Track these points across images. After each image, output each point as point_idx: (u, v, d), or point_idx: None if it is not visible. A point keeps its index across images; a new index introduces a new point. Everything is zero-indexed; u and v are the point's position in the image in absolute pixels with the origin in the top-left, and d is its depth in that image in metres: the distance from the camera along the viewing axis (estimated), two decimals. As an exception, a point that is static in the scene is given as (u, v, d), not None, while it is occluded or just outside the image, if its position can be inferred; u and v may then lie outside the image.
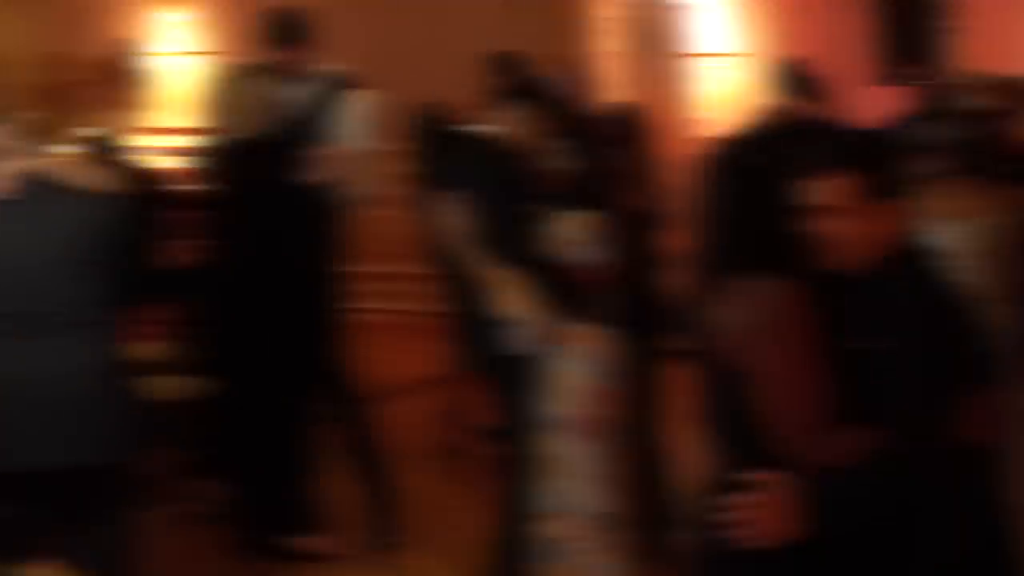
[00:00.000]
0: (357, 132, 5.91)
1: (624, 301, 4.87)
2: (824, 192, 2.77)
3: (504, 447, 5.14)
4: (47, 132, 4.25)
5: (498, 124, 5.38)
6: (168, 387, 5.83)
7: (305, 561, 5.44)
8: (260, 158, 5.52)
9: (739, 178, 3.13)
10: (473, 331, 5.32)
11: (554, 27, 9.33)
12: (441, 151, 6.49)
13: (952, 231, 4.24)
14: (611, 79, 9.21)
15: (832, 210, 2.77)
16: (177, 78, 11.02)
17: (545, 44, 8.51)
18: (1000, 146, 4.93)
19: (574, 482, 4.65)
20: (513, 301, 5.04)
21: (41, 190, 3.87)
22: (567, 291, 4.81)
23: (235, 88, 5.65)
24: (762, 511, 2.76)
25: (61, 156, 4.33)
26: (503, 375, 5.07)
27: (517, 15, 9.31)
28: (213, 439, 5.95)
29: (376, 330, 6.53)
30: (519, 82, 6.05)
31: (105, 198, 4.10)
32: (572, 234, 4.81)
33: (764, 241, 3.05)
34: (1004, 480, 3.15)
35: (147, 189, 7.27)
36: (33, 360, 3.86)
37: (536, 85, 5.79)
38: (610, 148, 5.82)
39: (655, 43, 9.07)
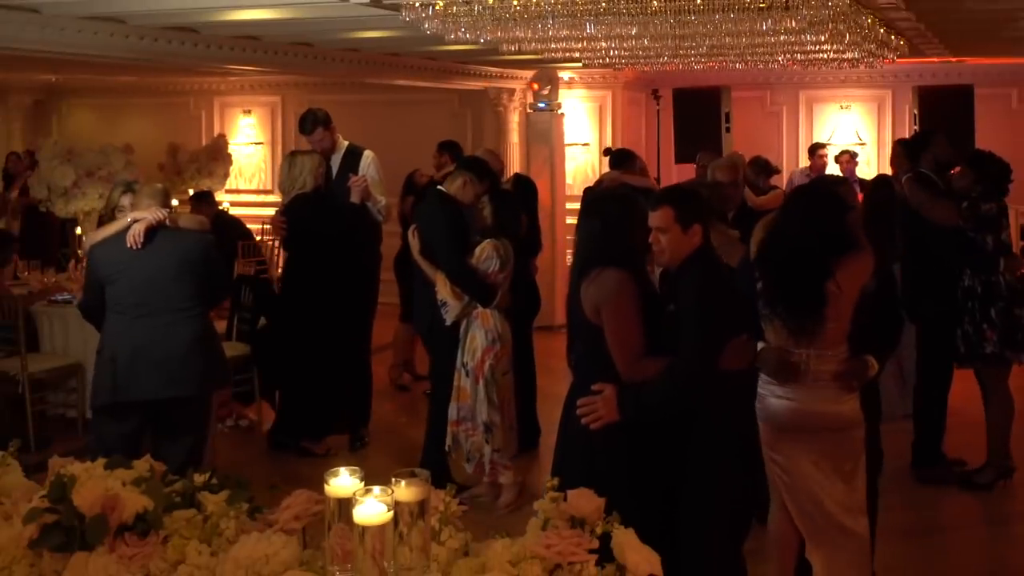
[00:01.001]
0: (371, 173, 7.10)
1: (511, 294, 6.02)
2: (653, 218, 3.81)
3: (436, 383, 6.29)
4: (166, 195, 5.11)
5: (448, 184, 6.25)
6: (232, 349, 7.42)
7: (310, 456, 6.90)
8: (315, 205, 6.78)
9: (595, 214, 4.08)
10: (421, 309, 6.23)
11: (483, 126, 12.50)
12: (410, 197, 8.05)
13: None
14: (517, 158, 12.08)
15: (657, 229, 3.80)
16: (248, 158, 13.74)
17: (478, 136, 11.42)
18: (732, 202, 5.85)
19: (472, 403, 5.92)
20: (445, 292, 5.96)
21: (161, 232, 4.81)
22: (479, 286, 5.89)
23: (294, 163, 6.93)
24: (599, 405, 3.73)
25: (173, 210, 5.23)
26: (438, 337, 6.16)
27: (460, 118, 12.35)
28: (252, 379, 7.58)
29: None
30: (463, 160, 6.90)
31: (198, 236, 5.08)
32: (484, 252, 5.92)
33: (615, 249, 3.91)
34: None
35: (228, 228, 9.50)
36: (153, 331, 4.81)
37: (473, 162, 6.55)
38: (515, 201, 6.46)
39: (543, 137, 11.53)
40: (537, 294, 7.49)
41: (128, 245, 4.74)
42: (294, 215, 6.86)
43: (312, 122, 7.21)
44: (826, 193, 4.29)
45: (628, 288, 3.79)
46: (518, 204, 6.47)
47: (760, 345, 4.13)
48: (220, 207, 10.31)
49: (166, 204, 5.01)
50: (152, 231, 4.77)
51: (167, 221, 4.87)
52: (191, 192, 11.21)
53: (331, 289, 6.91)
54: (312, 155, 6.98)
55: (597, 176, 11.95)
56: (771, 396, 4.13)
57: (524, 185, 7.73)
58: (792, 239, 4.04)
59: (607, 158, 8.96)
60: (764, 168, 8.56)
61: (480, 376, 5.93)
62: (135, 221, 4.81)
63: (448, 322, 6.01)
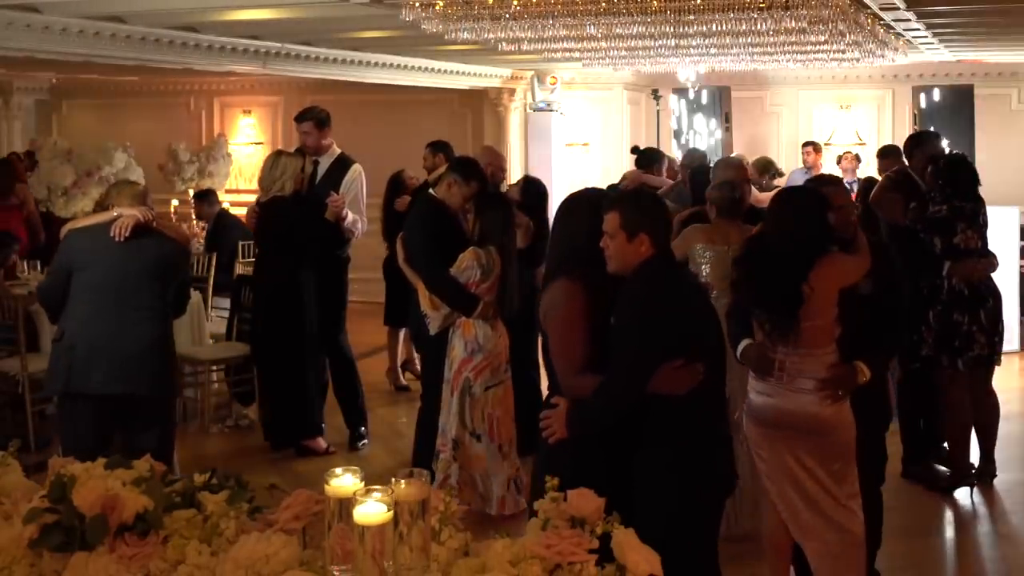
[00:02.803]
0: (353, 190, 7.02)
1: (498, 304, 5.76)
2: (605, 221, 3.59)
3: (424, 392, 6.19)
4: (145, 197, 5.06)
5: (437, 187, 6.05)
6: (226, 348, 7.77)
7: (308, 454, 6.88)
8: (291, 209, 6.71)
9: (556, 221, 3.96)
10: (415, 316, 6.02)
11: (483, 126, 12.52)
12: (401, 199, 7.77)
13: (710, 252, 5.40)
14: (517, 158, 12.09)
15: (606, 233, 3.57)
16: (248, 158, 13.85)
17: (478, 136, 11.48)
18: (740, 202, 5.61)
19: (445, 416, 5.79)
20: (424, 303, 5.85)
21: (143, 232, 4.78)
22: (458, 296, 5.73)
23: (277, 163, 6.85)
24: (552, 419, 3.62)
25: (157, 211, 5.08)
26: (427, 347, 6.11)
27: (460, 118, 12.39)
28: (252, 379, 7.51)
29: (355, 313, 7.67)
30: (453, 160, 6.57)
31: (176, 245, 4.97)
32: (464, 261, 5.71)
33: (567, 258, 3.81)
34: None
35: (230, 228, 9.46)
36: (115, 326, 4.76)
37: (460, 162, 6.23)
38: (505, 206, 6.00)
39: (542, 135, 11.57)
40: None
41: (111, 235, 4.71)
42: (269, 215, 6.84)
43: (309, 115, 7.15)
44: (804, 195, 4.28)
45: (574, 300, 3.64)
46: (508, 209, 6.01)
47: (745, 343, 4.16)
48: (222, 206, 10.32)
49: (146, 204, 5.01)
50: (136, 229, 4.76)
51: (153, 223, 4.87)
52: (191, 192, 11.29)
53: (300, 286, 6.87)
54: (296, 158, 6.93)
55: (597, 176, 11.99)
56: (753, 392, 4.17)
57: (532, 189, 7.16)
58: (766, 240, 4.08)
59: (633, 156, 8.89)
60: (766, 168, 8.59)
61: (455, 388, 5.78)
62: (120, 216, 4.79)
63: (432, 332, 5.89)
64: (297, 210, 6.78)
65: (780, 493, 4.15)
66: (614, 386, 3.51)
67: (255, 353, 7.39)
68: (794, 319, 3.96)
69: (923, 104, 10.81)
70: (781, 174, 9.45)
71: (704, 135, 11.75)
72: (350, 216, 6.95)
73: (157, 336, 4.87)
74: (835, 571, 4.16)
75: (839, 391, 4.05)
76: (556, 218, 3.95)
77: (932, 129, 7.82)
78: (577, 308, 3.62)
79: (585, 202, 3.88)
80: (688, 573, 3.36)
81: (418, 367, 8.71)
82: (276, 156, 7.02)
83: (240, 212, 11.28)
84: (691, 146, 11.16)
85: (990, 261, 6.13)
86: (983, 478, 6.31)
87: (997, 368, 6.31)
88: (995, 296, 6.16)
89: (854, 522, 4.12)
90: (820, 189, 4.40)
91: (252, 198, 13.12)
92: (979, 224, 6.10)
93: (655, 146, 11.53)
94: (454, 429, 5.75)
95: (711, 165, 7.75)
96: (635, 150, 8.84)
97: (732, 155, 8.49)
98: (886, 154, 7.82)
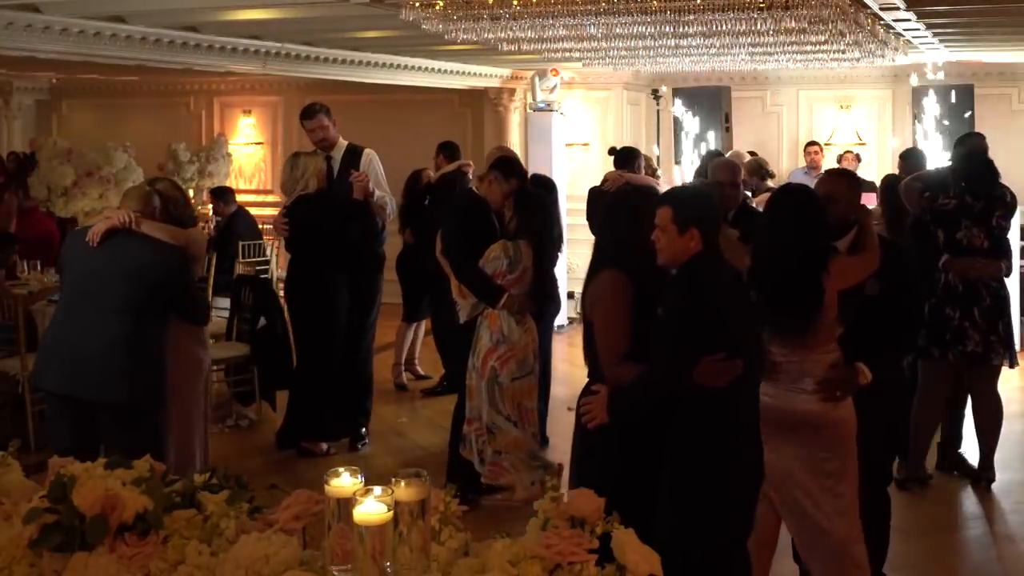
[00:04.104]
0: (373, 171, 7.02)
1: (523, 298, 5.85)
2: (657, 216, 3.66)
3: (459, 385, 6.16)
4: (148, 199, 4.99)
5: (479, 184, 6.24)
6: (226, 348, 7.76)
7: (310, 456, 6.91)
8: (319, 206, 6.77)
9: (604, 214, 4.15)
10: (439, 308, 6.55)
11: (483, 126, 12.66)
12: (420, 197, 8.12)
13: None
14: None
15: (658, 227, 3.65)
16: (248, 158, 13.79)
17: (478, 136, 11.52)
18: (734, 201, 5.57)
19: (478, 403, 5.90)
20: (455, 291, 6.02)
21: (124, 234, 4.70)
22: (483, 287, 5.86)
23: (296, 163, 6.88)
24: (593, 406, 3.73)
25: (151, 213, 4.93)
26: (456, 336, 6.27)
27: (460, 118, 12.46)
28: (252, 379, 7.67)
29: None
30: (496, 159, 6.38)
31: (159, 248, 4.78)
32: (491, 253, 5.85)
33: (613, 249, 3.95)
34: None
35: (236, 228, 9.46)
36: (80, 327, 4.68)
37: (501, 160, 6.26)
38: (541, 203, 6.18)
39: (542, 136, 11.58)
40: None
41: (87, 240, 4.69)
42: (299, 216, 6.84)
43: (318, 108, 7.13)
44: (802, 197, 4.27)
45: (620, 289, 3.77)
46: (545, 206, 6.27)
47: None
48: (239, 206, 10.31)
49: (148, 207, 4.93)
50: (114, 232, 4.69)
51: (134, 225, 4.74)
52: (205, 188, 11.28)
53: (334, 289, 6.92)
54: (315, 156, 6.94)
55: (596, 176, 12.00)
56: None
57: (538, 187, 7.05)
58: (775, 245, 4.11)
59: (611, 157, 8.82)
60: (756, 170, 8.59)
61: (483, 376, 5.91)
62: (103, 219, 4.79)
63: (461, 320, 6.04)
64: (325, 206, 6.80)
65: (779, 491, 4.13)
66: (654, 375, 3.60)
67: (256, 353, 7.40)
68: (811, 318, 3.97)
69: (923, 104, 10.80)
70: (772, 175, 9.43)
71: (703, 135, 11.73)
72: (377, 192, 6.96)
73: (124, 338, 4.63)
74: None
75: (837, 392, 4.04)
76: (605, 212, 4.13)
77: (975, 131, 7.67)
78: (622, 298, 3.73)
79: (619, 198, 4.18)
80: (716, 566, 3.57)
81: (419, 369, 9.08)
82: (294, 158, 7.00)
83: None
84: (689, 146, 11.16)
85: (993, 263, 6.06)
86: (979, 482, 6.29)
87: (1006, 371, 6.26)
88: (995, 297, 6.10)
89: (840, 527, 4.08)
90: (826, 180, 4.50)
91: (252, 198, 13.26)
92: (989, 224, 6.04)
93: (654, 146, 11.59)
94: (486, 414, 5.88)
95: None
96: (612, 151, 8.87)
97: (727, 154, 8.44)
98: (906, 157, 7.79)
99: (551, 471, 5.72)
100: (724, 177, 5.96)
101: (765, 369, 3.91)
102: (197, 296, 5.55)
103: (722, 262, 3.77)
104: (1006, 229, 6.15)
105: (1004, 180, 6.34)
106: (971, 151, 6.38)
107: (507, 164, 6.16)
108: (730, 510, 3.65)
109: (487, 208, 6.04)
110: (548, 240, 6.12)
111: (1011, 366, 6.29)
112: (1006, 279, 6.32)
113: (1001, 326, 6.12)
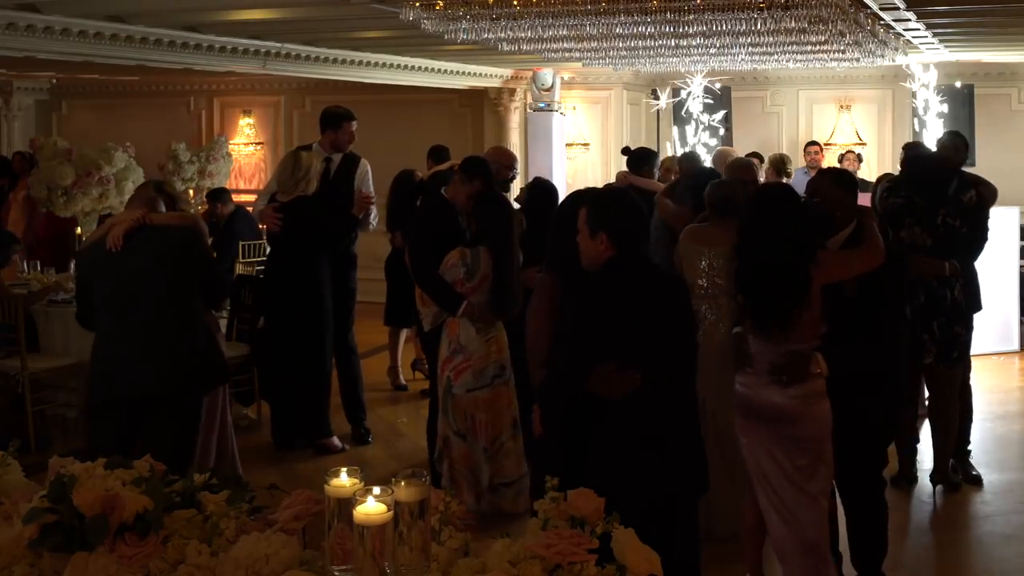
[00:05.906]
0: (367, 185, 7.04)
1: (483, 307, 5.64)
2: (579, 219, 3.64)
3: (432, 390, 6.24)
4: (155, 198, 5.03)
5: (448, 188, 5.94)
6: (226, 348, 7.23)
7: (326, 453, 6.89)
8: (317, 208, 6.77)
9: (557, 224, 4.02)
10: (414, 314, 6.13)
11: (483, 126, 12.62)
12: (404, 201, 7.71)
13: (710, 252, 5.24)
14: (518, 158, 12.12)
15: (579, 230, 3.62)
16: (248, 158, 13.80)
17: (478, 136, 11.48)
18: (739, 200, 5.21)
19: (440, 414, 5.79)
20: (419, 298, 5.92)
21: (140, 232, 4.73)
22: (442, 294, 5.70)
23: (299, 163, 6.83)
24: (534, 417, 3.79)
25: (157, 211, 4.96)
26: (425, 342, 6.43)
27: (460, 118, 12.50)
28: (252, 379, 7.55)
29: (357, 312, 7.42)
30: (463, 160, 6.12)
31: (178, 229, 4.87)
32: (449, 260, 5.66)
33: (548, 252, 4.00)
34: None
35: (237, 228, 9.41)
36: (131, 330, 4.74)
37: (467, 160, 6.02)
38: (503, 207, 5.83)
39: (541, 136, 11.58)
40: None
41: (108, 248, 4.71)
42: (296, 216, 6.81)
43: (351, 113, 7.07)
44: (780, 196, 4.28)
45: (545, 292, 3.74)
46: (505, 210, 5.87)
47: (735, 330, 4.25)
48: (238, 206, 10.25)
49: (155, 205, 4.97)
50: (132, 232, 4.73)
51: (146, 220, 4.78)
52: (205, 188, 11.25)
53: (321, 285, 6.93)
54: (317, 156, 6.91)
55: (597, 176, 11.97)
56: (737, 382, 4.26)
57: (539, 190, 6.73)
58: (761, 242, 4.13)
59: (624, 157, 8.63)
60: (780, 166, 8.61)
61: (440, 386, 5.79)
62: (112, 227, 4.79)
63: (425, 328, 5.98)
64: (323, 208, 6.80)
65: (756, 479, 4.24)
66: (550, 382, 3.58)
67: (256, 353, 7.38)
68: (795, 307, 4.00)
69: (923, 104, 10.79)
70: (790, 174, 9.43)
71: (703, 135, 11.73)
72: (373, 211, 7.06)
73: (182, 324, 4.78)
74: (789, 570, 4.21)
75: (783, 376, 4.06)
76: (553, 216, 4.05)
77: (954, 130, 7.58)
78: (545, 301, 3.72)
79: (572, 200, 3.96)
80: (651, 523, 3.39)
81: (428, 367, 8.97)
82: (296, 155, 6.94)
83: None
84: (690, 146, 11.13)
85: (936, 262, 5.88)
86: (950, 482, 6.18)
87: (993, 368, 6.22)
88: (932, 297, 5.94)
89: (812, 523, 4.11)
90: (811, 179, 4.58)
91: (252, 198, 13.22)
92: (934, 223, 5.89)
93: (655, 146, 11.54)
94: (442, 427, 5.76)
95: (710, 167, 7.73)
96: (626, 151, 8.67)
97: (740, 156, 8.31)
98: (908, 148, 7.49)
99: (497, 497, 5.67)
100: (747, 175, 6.06)
101: (690, 376, 3.73)
102: (219, 270, 5.67)
103: (640, 266, 3.61)
104: (956, 228, 5.93)
105: (1003, 180, 6.32)
106: (924, 152, 6.39)
107: (470, 165, 5.90)
108: (656, 469, 3.48)
109: (454, 211, 5.86)
110: (507, 246, 5.73)
111: (950, 368, 6.08)
112: (977, 279, 6.22)
113: (936, 326, 5.96)
